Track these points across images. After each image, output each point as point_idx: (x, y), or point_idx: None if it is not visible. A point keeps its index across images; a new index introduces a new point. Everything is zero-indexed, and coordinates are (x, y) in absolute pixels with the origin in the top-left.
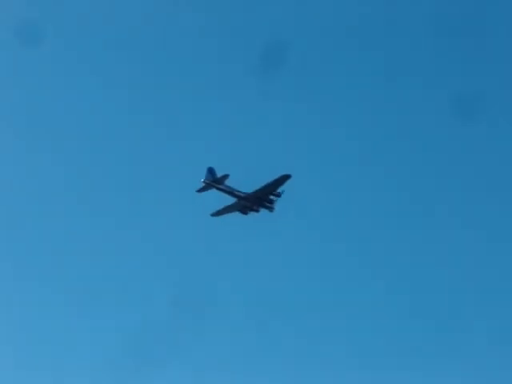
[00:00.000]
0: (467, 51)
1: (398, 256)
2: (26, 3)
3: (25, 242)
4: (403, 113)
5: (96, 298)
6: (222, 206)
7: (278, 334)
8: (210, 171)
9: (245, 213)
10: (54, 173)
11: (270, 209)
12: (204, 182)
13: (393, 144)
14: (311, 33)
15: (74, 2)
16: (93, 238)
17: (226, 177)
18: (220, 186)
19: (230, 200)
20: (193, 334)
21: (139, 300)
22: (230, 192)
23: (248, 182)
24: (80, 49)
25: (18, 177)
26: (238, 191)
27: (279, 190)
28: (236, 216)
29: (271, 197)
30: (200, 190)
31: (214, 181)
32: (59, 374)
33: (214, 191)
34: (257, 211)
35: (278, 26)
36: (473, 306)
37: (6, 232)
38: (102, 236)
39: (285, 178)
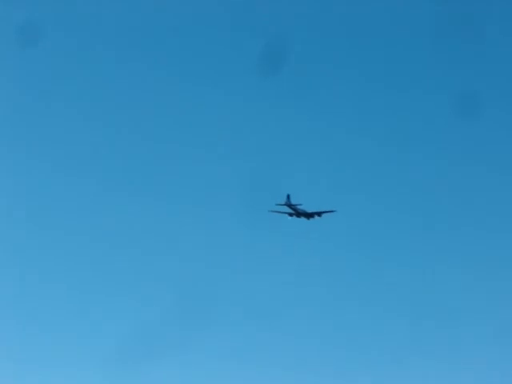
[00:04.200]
0: (467, 51)
1: (401, 256)
2: (25, 3)
3: (28, 239)
4: (404, 112)
5: (100, 296)
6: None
7: (278, 333)
8: (288, 197)
9: (291, 216)
10: (55, 172)
11: (309, 219)
12: (285, 204)
13: (394, 143)
14: (311, 33)
15: (73, 2)
16: (94, 236)
17: (299, 204)
18: (292, 207)
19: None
20: (195, 330)
21: (143, 298)
22: (295, 210)
23: (248, 181)
24: (80, 49)
25: (18, 176)
26: (301, 210)
27: (323, 213)
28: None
29: (316, 216)
30: (279, 205)
31: (290, 204)
32: (64, 369)
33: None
34: (298, 217)
35: (278, 26)
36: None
37: (10, 231)
38: (104, 234)
39: (332, 211)
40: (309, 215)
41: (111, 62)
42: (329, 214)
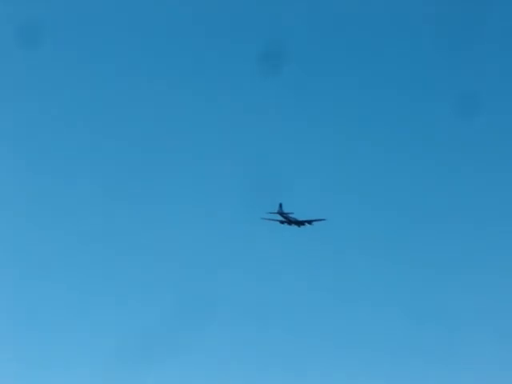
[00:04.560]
0: (467, 51)
1: (400, 256)
2: (26, 3)
3: (28, 239)
4: (404, 112)
5: (100, 297)
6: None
7: (276, 334)
8: (280, 205)
9: (282, 223)
10: (54, 172)
11: (299, 226)
12: (277, 212)
13: (393, 143)
14: (311, 33)
15: (73, 2)
16: (94, 238)
17: (291, 212)
18: (284, 215)
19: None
20: (194, 331)
21: (142, 299)
22: (287, 218)
23: (248, 181)
24: (80, 49)
25: (18, 176)
26: (292, 218)
27: (313, 221)
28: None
29: (306, 223)
30: (271, 213)
31: (282, 213)
32: (64, 369)
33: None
34: (289, 225)
35: (278, 26)
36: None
37: (11, 231)
38: (104, 236)
39: (321, 219)
40: (300, 223)
41: (111, 62)
42: (319, 222)
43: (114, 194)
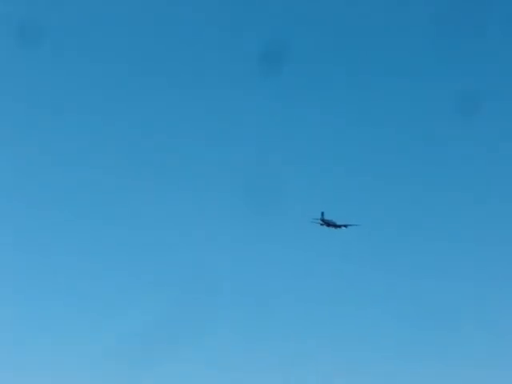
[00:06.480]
0: (468, 51)
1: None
2: (26, 4)
3: (28, 236)
4: (404, 112)
5: (100, 296)
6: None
7: (279, 335)
8: (322, 214)
9: (322, 225)
10: (57, 172)
11: (336, 228)
12: (321, 219)
13: (393, 143)
14: (311, 33)
15: (73, 2)
16: (96, 239)
17: (331, 219)
18: (326, 222)
19: None
20: (195, 331)
21: (143, 299)
22: (328, 223)
23: (249, 180)
24: (80, 49)
25: (19, 176)
26: (331, 222)
27: (349, 226)
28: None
29: (343, 227)
30: (315, 219)
31: (325, 220)
32: (64, 369)
33: None
34: (328, 227)
35: (278, 26)
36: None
37: (12, 226)
38: (104, 236)
39: (355, 225)
40: (337, 226)
41: (112, 62)
42: (354, 226)
43: (116, 192)
